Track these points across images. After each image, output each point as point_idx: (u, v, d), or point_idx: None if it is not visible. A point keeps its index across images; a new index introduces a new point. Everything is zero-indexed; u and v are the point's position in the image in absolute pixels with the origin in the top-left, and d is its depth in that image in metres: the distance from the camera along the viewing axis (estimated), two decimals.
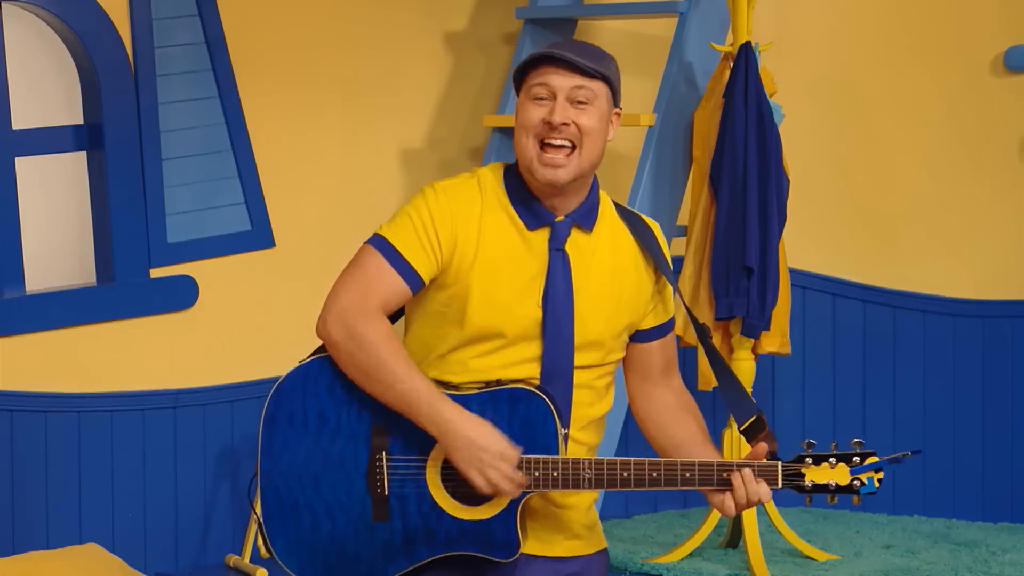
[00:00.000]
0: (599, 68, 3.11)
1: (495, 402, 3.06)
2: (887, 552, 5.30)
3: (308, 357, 3.13)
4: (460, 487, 3.06)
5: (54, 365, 4.91)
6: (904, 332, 5.83)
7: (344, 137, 5.49)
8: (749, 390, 5.20)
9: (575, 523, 3.20)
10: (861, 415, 5.84)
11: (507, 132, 5.46)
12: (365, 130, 5.54)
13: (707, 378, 5.19)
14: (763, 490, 3.06)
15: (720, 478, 3.06)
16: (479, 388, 3.08)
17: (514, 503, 3.05)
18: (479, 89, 5.82)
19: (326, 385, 3.10)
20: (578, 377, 3.15)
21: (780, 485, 3.08)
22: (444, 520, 3.07)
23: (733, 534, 5.33)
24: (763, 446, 3.09)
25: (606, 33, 5.91)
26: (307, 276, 5.40)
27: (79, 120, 5.04)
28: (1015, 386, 5.70)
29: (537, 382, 3.10)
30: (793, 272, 5.58)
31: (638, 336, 3.25)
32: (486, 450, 3.00)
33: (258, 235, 5.30)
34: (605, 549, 3.28)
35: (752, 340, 5.20)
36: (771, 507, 5.24)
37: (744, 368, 5.20)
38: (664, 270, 3.22)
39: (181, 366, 5.15)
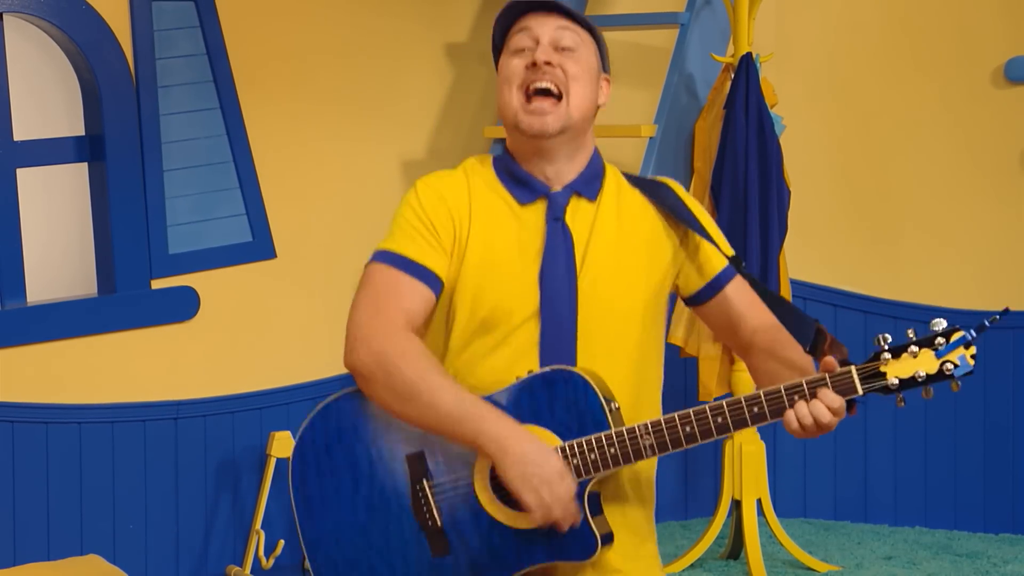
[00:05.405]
0: (582, 17, 2.89)
1: (531, 392, 2.76)
2: (888, 563, 5.30)
3: (319, 405, 2.85)
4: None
5: (55, 376, 4.91)
6: None
7: (345, 148, 5.49)
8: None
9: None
10: (862, 426, 5.83)
11: None
12: (366, 141, 5.54)
13: (708, 389, 5.19)
14: (834, 404, 2.64)
15: (793, 403, 2.67)
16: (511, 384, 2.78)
17: (578, 496, 2.72)
18: (480, 100, 5.82)
19: (349, 425, 2.81)
20: (590, 364, 2.80)
21: (861, 391, 2.65)
22: (508, 537, 2.76)
23: (734, 545, 5.33)
24: (829, 359, 2.67)
25: (607, 44, 5.90)
26: (308, 287, 5.40)
27: (80, 131, 5.04)
28: (1016, 397, 5.70)
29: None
30: (794, 283, 5.58)
31: (700, 296, 2.93)
32: (542, 466, 2.67)
33: (259, 246, 5.30)
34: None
35: None
36: (772, 518, 5.23)
37: (744, 380, 5.19)
38: (693, 225, 2.89)
39: (182, 377, 5.15)
